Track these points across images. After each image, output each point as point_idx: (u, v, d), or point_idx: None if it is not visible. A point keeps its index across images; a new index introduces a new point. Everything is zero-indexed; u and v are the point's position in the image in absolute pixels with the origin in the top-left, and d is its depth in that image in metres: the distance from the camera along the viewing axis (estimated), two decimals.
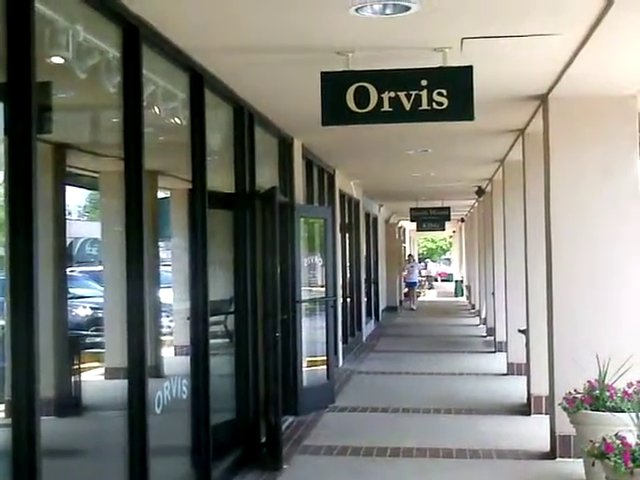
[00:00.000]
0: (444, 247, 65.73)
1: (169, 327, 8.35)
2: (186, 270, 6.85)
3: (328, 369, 11.07)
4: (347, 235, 17.31)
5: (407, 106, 6.23)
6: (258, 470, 7.62)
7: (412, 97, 6.21)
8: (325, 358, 11.15)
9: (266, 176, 9.47)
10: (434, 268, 58.27)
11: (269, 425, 8.08)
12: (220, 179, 8.03)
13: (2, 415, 5.04)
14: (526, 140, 10.16)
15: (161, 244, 8.07)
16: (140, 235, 5.30)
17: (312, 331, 11.23)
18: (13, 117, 4.04)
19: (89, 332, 9.01)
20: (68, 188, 7.64)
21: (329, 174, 14.39)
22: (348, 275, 17.18)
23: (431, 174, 15.94)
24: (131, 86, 5.40)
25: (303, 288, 10.86)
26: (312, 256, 11.48)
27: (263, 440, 8.25)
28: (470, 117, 6.23)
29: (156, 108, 6.52)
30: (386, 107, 6.27)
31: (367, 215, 21.86)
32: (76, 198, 12.82)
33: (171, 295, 7.94)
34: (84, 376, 6.93)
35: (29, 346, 3.94)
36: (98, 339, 8.42)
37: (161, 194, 8.60)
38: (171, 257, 8.41)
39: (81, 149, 7.44)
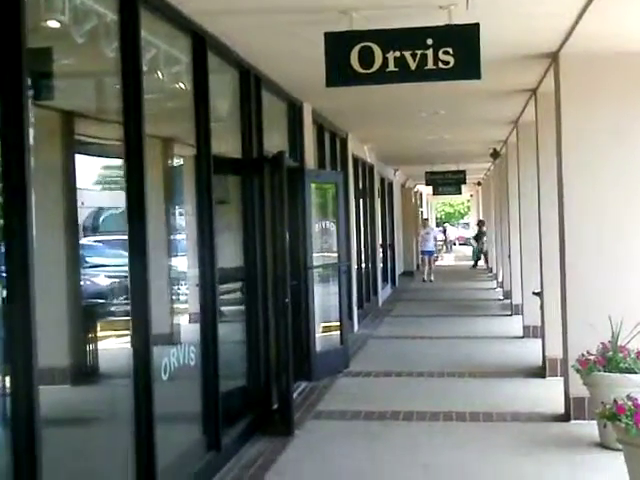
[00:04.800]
0: (462, 211, 65.49)
1: (185, 294, 8.31)
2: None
3: (342, 334, 11.03)
4: (361, 200, 17.20)
5: (412, 66, 6.12)
6: (269, 436, 7.60)
7: (417, 56, 6.10)
8: (339, 323, 11.10)
9: (275, 141, 9.37)
10: (452, 232, 58.07)
11: (281, 391, 8.05)
12: (227, 144, 7.95)
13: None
14: (539, 100, 10.00)
15: (179, 211, 8.00)
16: (142, 202, 5.23)
17: (326, 297, 11.18)
18: (4, 82, 3.96)
19: (112, 301, 9.04)
20: (85, 157, 7.68)
21: (341, 138, 14.26)
22: (363, 240, 17.10)
23: (445, 137, 15.77)
24: (130, 50, 5.31)
25: (316, 254, 10.80)
26: (325, 222, 11.39)
27: (275, 406, 8.23)
28: (477, 76, 6.11)
29: (159, 73, 6.44)
30: (391, 67, 6.15)
31: (382, 180, 21.72)
32: (98, 167, 12.78)
33: (186, 262, 7.89)
34: (105, 344, 6.94)
35: (25, 315, 3.90)
36: (122, 308, 8.43)
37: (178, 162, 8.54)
38: (185, 224, 8.35)
39: (91, 116, 7.42)
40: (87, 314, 6.32)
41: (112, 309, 9.90)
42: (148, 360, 5.24)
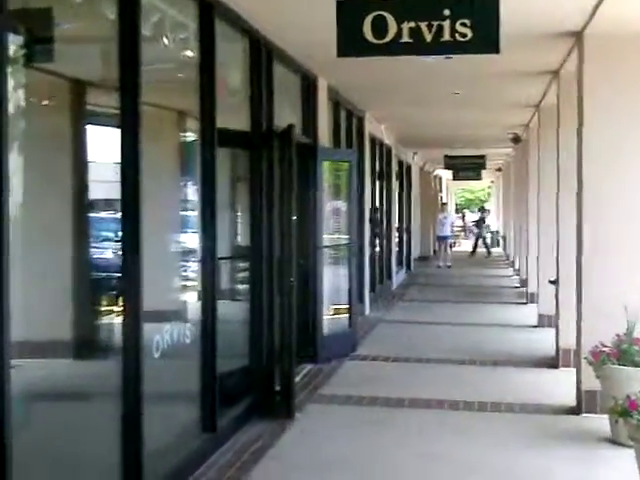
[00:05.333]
0: (482, 198, 64.96)
1: (186, 271, 8.08)
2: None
3: (350, 317, 10.78)
4: (378, 182, 16.92)
5: (428, 37, 5.83)
6: (269, 419, 7.37)
7: (434, 28, 5.82)
8: (348, 306, 10.85)
9: (287, 116, 9.09)
10: (472, 219, 57.49)
11: (283, 373, 7.81)
12: (234, 117, 7.69)
13: None
14: (561, 82, 9.67)
15: (184, 186, 7.75)
16: (136, 176, 4.98)
17: (336, 278, 10.92)
18: None
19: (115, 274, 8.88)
20: (96, 128, 7.49)
21: (358, 117, 13.97)
22: (378, 223, 16.83)
23: (464, 119, 15.46)
24: (128, 13, 5.04)
25: (328, 235, 10.56)
26: (337, 202, 11.12)
27: (278, 388, 7.98)
28: (495, 50, 5.81)
29: (164, 39, 6.19)
30: (405, 38, 5.88)
31: (400, 162, 21.39)
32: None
33: (189, 238, 7.65)
34: (111, 318, 6.77)
35: None
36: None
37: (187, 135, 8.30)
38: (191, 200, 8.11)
39: (100, 85, 7.20)
40: (93, 288, 6.13)
41: (116, 283, 9.69)
42: (137, 336, 5.01)
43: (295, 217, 9.54)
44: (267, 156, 7.92)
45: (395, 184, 19.66)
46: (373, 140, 15.94)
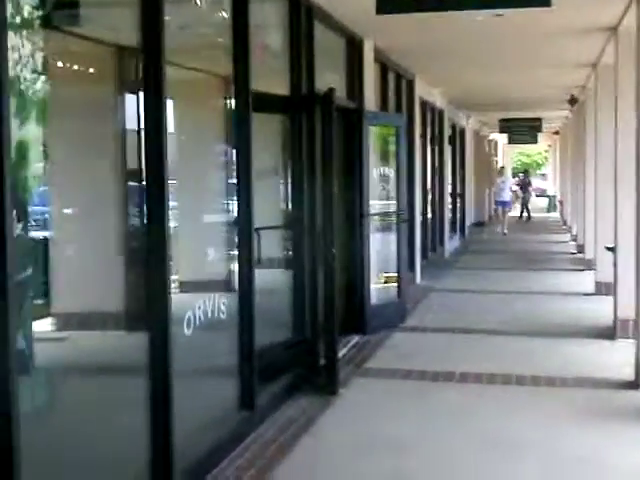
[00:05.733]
0: (539, 162, 63.84)
1: (223, 240, 7.85)
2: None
3: (399, 286, 10.46)
4: (429, 147, 16.50)
5: None
6: (312, 395, 7.10)
7: None
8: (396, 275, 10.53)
9: (330, 80, 8.76)
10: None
11: (327, 346, 7.54)
12: (273, 81, 7.39)
13: None
14: (619, 40, 9.15)
15: (222, 153, 7.50)
16: (160, 143, 4.71)
17: (384, 246, 10.60)
18: None
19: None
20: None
21: (408, 80, 13.55)
22: (430, 189, 16.44)
23: (519, 80, 14.94)
24: None
25: (376, 202, 10.24)
26: (385, 168, 10.77)
27: (322, 362, 7.72)
28: (546, 2, 5.41)
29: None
30: None
31: (453, 126, 20.89)
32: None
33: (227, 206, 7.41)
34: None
35: None
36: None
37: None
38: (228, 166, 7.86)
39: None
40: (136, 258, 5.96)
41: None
42: (165, 308, 4.74)
43: (339, 184, 9.35)
44: (308, 121, 7.60)
45: (448, 148, 19.19)
46: (424, 104, 15.50)
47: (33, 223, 5.74)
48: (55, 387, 4.64)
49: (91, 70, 5.85)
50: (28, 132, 4.18)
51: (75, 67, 5.94)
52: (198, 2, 6.14)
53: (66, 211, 5.81)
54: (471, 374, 7.82)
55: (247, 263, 6.24)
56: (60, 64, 6.05)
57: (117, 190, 5.74)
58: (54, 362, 4.75)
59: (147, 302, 4.79)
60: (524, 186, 31.05)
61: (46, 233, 6.09)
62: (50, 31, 5.58)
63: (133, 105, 5.19)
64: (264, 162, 7.39)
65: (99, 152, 5.58)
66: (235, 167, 6.26)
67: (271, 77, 7.56)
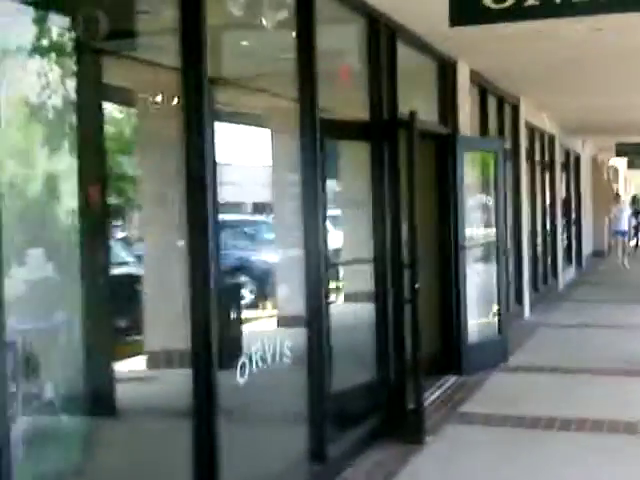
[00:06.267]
0: None
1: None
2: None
3: (500, 322, 9.77)
4: (540, 173, 15.73)
5: None
6: (394, 444, 6.51)
7: None
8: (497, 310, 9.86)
9: (420, 105, 8.25)
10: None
11: (412, 389, 6.96)
12: (351, 106, 6.95)
13: None
14: None
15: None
16: (202, 165, 4.30)
17: (487, 279, 9.94)
18: None
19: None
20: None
21: (512, 104, 12.87)
22: (540, 217, 15.64)
23: (636, 101, 14.01)
24: None
25: (476, 230, 9.65)
26: (484, 195, 10.16)
27: (411, 407, 7.12)
28: None
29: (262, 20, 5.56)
30: (530, 1, 4.92)
31: (566, 152, 19.98)
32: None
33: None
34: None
35: None
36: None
37: None
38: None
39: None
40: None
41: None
42: (208, 344, 4.29)
43: (432, 213, 8.83)
44: (389, 147, 7.09)
45: (560, 175, 18.30)
46: (532, 129, 14.77)
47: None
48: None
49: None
50: None
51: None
52: (263, 22, 5.76)
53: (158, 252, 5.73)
54: (576, 420, 7.09)
55: (319, 298, 5.76)
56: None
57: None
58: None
59: (193, 338, 4.34)
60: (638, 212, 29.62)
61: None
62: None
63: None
64: (344, 192, 6.98)
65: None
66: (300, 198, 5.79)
67: (350, 102, 7.12)
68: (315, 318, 5.71)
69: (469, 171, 9.44)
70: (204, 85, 4.34)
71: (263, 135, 8.05)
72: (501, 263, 9.85)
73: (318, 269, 5.71)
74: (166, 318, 5.30)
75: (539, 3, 4.92)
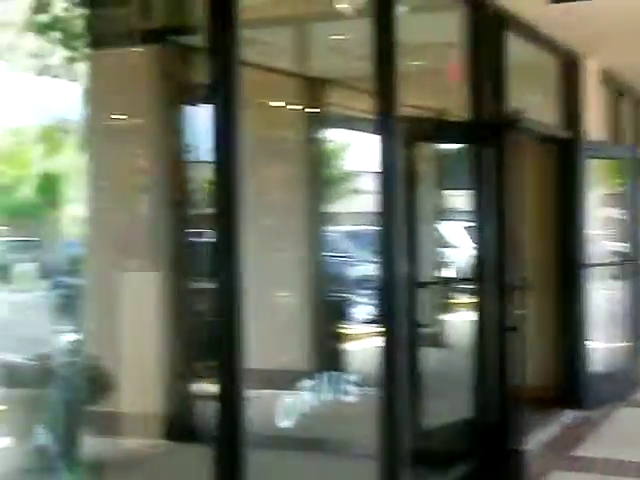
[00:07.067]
0: None
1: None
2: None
3: (630, 351, 8.73)
4: None
5: None
6: None
7: None
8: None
9: (536, 104, 7.40)
10: None
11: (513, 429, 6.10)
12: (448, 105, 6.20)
13: None
14: None
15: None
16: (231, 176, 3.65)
17: (616, 300, 8.92)
18: None
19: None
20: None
21: None
22: None
23: None
24: None
25: (605, 246, 8.68)
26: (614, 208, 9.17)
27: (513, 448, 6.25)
28: None
29: None
30: None
31: None
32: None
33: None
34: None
35: None
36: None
37: None
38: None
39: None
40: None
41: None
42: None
43: (551, 228, 8.03)
44: (495, 152, 6.25)
45: None
46: None
47: None
48: None
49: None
50: None
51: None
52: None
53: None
54: None
55: (397, 328, 5.01)
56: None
57: None
58: None
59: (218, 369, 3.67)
60: None
61: None
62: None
63: None
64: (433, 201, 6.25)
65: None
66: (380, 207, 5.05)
67: (451, 101, 6.38)
68: (392, 349, 4.96)
69: (596, 180, 8.49)
70: None
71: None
72: (630, 284, 8.80)
73: (393, 291, 4.96)
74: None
75: None
